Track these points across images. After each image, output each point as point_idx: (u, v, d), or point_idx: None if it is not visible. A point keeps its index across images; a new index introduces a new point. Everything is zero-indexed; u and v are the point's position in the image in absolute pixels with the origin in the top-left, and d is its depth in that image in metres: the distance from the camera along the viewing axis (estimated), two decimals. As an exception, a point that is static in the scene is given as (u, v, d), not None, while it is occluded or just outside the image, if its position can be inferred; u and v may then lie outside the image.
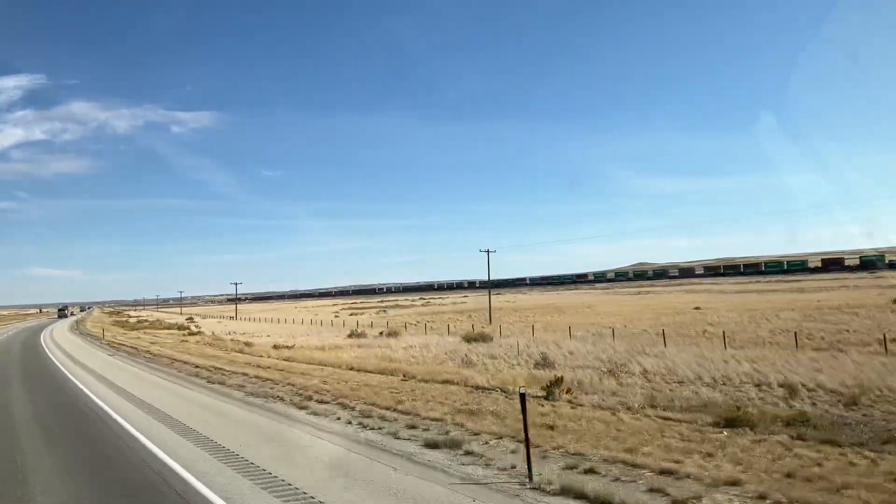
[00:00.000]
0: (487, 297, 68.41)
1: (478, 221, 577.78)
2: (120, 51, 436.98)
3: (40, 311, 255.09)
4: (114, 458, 11.20)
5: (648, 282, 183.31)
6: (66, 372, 26.13)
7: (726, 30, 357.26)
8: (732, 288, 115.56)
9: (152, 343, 40.55)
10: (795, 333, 31.02)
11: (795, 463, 9.53)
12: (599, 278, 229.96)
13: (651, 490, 8.25)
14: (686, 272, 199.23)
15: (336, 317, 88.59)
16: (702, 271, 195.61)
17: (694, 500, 7.74)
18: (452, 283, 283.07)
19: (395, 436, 12.11)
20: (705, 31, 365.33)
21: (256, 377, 21.16)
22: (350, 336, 46.13)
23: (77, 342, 47.57)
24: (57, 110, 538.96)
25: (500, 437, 11.49)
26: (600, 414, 14.07)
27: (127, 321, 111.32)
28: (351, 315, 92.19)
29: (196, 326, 75.50)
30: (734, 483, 8.29)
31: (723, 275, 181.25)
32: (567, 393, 16.73)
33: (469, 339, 35.48)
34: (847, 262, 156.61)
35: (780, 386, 19.09)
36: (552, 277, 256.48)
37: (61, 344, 45.55)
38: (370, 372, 22.47)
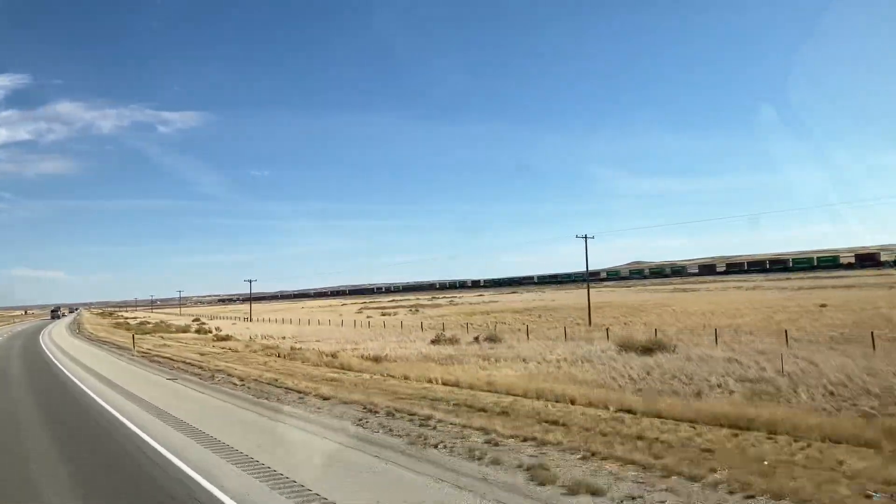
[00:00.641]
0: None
1: (469, 221, 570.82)
2: (105, 51, 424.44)
3: (25, 312, 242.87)
4: None
5: (674, 279, 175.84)
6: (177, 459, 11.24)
7: (724, 27, 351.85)
8: (779, 284, 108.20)
9: (201, 354, 31.49)
10: None
11: None
12: (612, 276, 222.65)
13: None
14: (706, 269, 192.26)
15: (368, 318, 79.65)
16: (723, 268, 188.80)
17: None
18: (455, 282, 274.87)
19: None
20: (703, 29, 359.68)
21: (502, 433, 12.07)
22: (437, 342, 37.41)
23: (101, 356, 36.50)
24: (42, 110, 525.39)
25: None
26: None
27: (129, 323, 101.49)
28: (383, 315, 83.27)
29: (216, 329, 66.24)
30: None
31: (747, 271, 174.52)
32: None
33: (631, 347, 26.81)
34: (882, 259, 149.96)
35: None
36: (560, 276, 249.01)
37: (83, 359, 33.57)
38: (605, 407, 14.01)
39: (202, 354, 30.72)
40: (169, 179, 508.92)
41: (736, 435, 11.32)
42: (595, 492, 8.30)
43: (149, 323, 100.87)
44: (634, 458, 9.78)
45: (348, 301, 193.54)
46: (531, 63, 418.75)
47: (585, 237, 52.37)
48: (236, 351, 33.22)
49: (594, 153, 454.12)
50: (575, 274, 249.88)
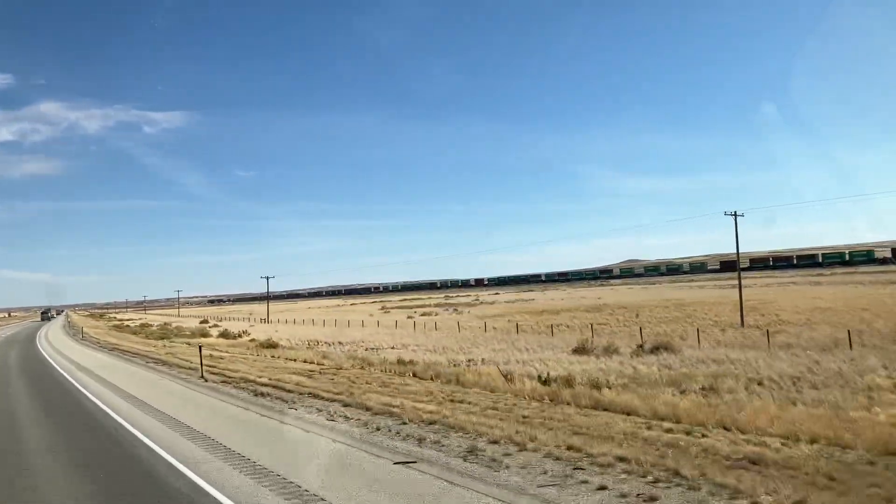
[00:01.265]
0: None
1: (458, 220, 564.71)
2: (89, 50, 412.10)
3: (9, 314, 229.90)
4: None
5: (696, 276, 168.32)
6: None
7: (724, 25, 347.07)
8: (830, 279, 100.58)
9: (295, 374, 21.74)
10: None
11: None
12: (626, 273, 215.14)
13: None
14: (728, 265, 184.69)
15: (409, 317, 70.30)
16: (747, 264, 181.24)
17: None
18: (458, 281, 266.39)
19: None
20: (702, 28, 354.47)
21: None
22: (583, 352, 28.29)
23: (146, 377, 24.81)
24: (26, 111, 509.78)
25: None
26: None
27: (129, 326, 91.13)
28: (423, 315, 73.87)
29: (243, 332, 56.42)
30: None
31: (773, 267, 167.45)
32: None
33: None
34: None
35: None
36: (569, 273, 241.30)
37: (125, 385, 21.75)
38: None
39: (296, 373, 21.19)
40: (155, 180, 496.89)
41: None
42: None
43: (151, 325, 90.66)
44: None
45: (356, 301, 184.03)
46: (527, 63, 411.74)
47: (735, 214, 43.17)
48: (340, 368, 23.62)
49: (591, 153, 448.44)
50: (585, 272, 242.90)
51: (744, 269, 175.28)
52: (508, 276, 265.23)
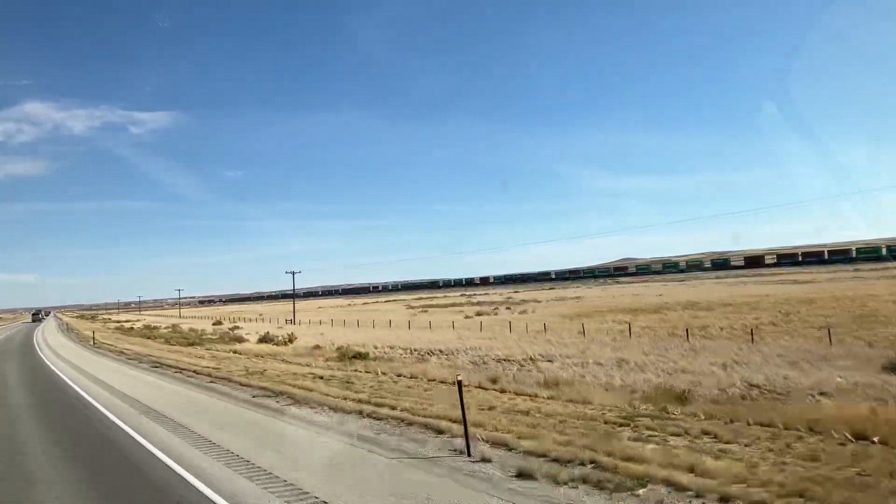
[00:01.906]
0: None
1: (447, 220, 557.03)
2: (75, 50, 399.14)
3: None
4: None
5: (727, 272, 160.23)
6: None
7: (724, 24, 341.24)
8: (885, 274, 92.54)
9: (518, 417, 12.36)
10: None
11: None
12: (642, 270, 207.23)
13: None
14: (754, 261, 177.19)
15: (467, 317, 60.74)
16: (774, 259, 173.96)
17: None
18: (462, 279, 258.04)
19: None
20: (702, 27, 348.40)
21: None
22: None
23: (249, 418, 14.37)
24: (10, 111, 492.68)
25: None
26: None
27: (133, 328, 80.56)
28: (467, 317, 64.24)
29: (289, 337, 46.50)
30: None
31: (801, 263, 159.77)
32: None
33: None
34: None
35: None
36: (580, 270, 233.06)
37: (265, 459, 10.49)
38: None
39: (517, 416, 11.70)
40: (142, 181, 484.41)
41: None
42: None
43: (157, 328, 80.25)
44: None
45: (368, 300, 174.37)
46: (523, 62, 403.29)
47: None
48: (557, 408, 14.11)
49: (585, 152, 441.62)
50: (597, 269, 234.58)
51: (771, 265, 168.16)
52: (516, 275, 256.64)
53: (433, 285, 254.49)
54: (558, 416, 12.71)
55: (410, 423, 12.75)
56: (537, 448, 9.89)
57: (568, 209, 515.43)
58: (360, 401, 15.61)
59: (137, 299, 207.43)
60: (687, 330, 34.76)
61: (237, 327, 71.41)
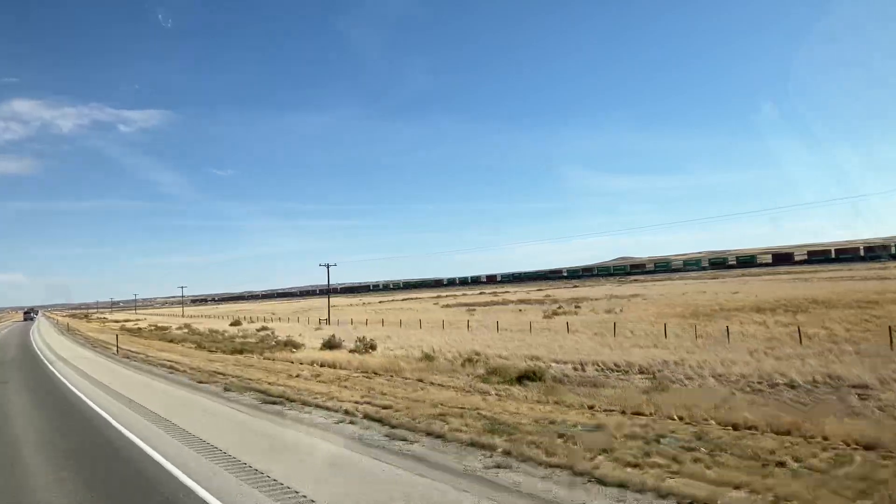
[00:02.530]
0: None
1: (438, 220, 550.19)
2: (64, 48, 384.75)
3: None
4: None
5: (753, 270, 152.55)
6: None
7: (723, 23, 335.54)
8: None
9: None
10: None
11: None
12: (661, 267, 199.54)
13: None
14: (782, 258, 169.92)
15: (545, 316, 51.83)
16: (805, 256, 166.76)
17: None
18: (466, 278, 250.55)
19: None
20: (702, 25, 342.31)
21: None
22: None
23: None
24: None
25: None
26: None
27: (144, 330, 70.70)
28: (552, 316, 55.38)
29: (367, 342, 37.28)
30: None
31: (838, 260, 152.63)
32: None
33: None
34: None
35: None
36: (593, 268, 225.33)
37: None
38: None
39: None
40: (130, 179, 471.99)
41: None
42: None
43: (167, 328, 70.67)
44: None
45: (374, 299, 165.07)
46: (524, 61, 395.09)
47: None
48: None
49: (581, 152, 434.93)
50: (613, 266, 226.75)
51: (802, 262, 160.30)
52: (525, 273, 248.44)
53: (438, 284, 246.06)
54: None
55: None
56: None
57: (562, 208, 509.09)
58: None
59: (134, 297, 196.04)
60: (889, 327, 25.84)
61: (265, 328, 62.09)
